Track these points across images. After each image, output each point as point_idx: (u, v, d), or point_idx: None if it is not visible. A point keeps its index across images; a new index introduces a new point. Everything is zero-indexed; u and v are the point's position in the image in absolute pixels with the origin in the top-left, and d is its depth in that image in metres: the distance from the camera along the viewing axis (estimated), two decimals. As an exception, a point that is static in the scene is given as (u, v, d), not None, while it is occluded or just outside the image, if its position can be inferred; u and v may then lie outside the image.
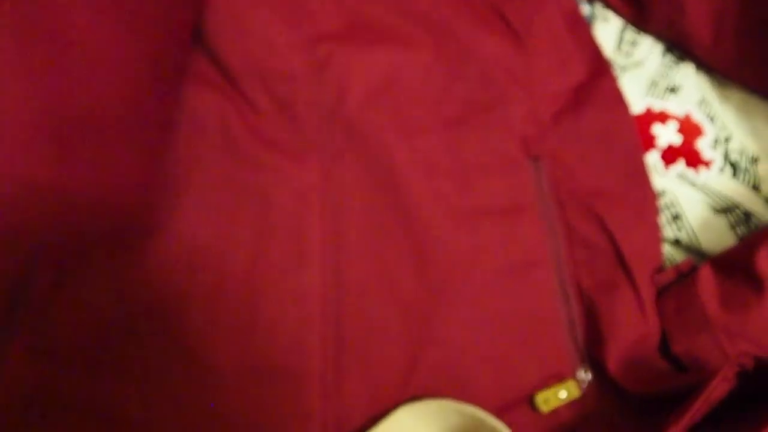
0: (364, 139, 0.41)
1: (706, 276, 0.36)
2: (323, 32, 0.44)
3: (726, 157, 0.43)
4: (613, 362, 0.36)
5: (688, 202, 0.41)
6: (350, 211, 0.40)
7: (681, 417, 0.30)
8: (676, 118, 0.44)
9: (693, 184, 0.42)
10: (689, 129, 0.43)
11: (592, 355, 0.38)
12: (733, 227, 0.41)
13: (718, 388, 0.31)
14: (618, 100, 0.43)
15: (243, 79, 0.41)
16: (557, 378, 0.37)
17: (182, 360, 0.35)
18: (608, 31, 0.47)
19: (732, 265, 0.36)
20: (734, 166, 0.42)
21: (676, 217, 0.41)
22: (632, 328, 0.37)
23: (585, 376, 0.37)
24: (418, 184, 0.40)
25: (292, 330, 0.36)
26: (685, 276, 0.38)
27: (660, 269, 0.39)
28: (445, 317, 0.37)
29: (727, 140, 0.43)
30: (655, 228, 0.40)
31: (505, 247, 0.39)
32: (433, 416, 0.33)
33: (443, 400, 0.33)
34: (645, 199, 0.40)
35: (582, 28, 0.46)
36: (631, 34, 0.47)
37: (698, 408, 0.30)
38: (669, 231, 0.41)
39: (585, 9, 0.49)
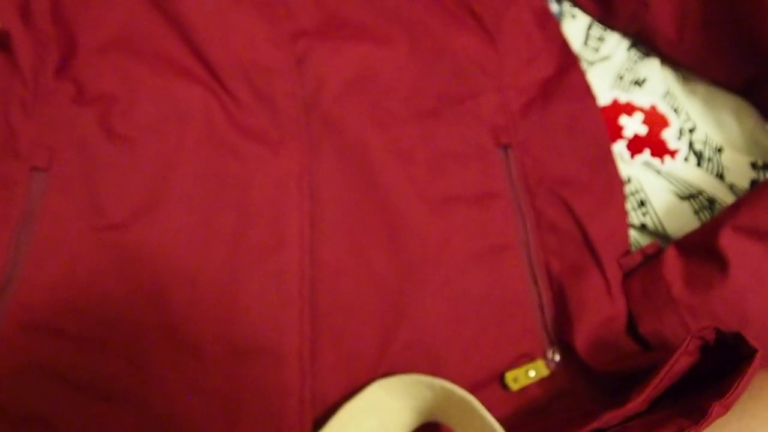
0: (340, 129, 0.42)
1: (670, 257, 0.37)
2: (302, 28, 0.46)
3: (690, 146, 0.44)
4: (581, 343, 0.37)
5: (653, 189, 0.43)
6: (327, 196, 0.40)
7: (644, 388, 0.30)
8: (642, 110, 0.45)
9: (658, 172, 0.43)
10: (655, 120, 0.45)
11: (561, 336, 0.38)
12: (696, 212, 0.42)
13: (680, 361, 0.31)
14: (585, 92, 0.44)
15: (225, 72, 0.43)
16: (527, 358, 0.38)
17: (166, 338, 0.36)
18: (576, 27, 0.49)
19: (696, 245, 0.37)
20: (699, 156, 0.43)
21: (641, 204, 0.42)
22: (600, 309, 0.38)
23: (554, 356, 0.38)
24: (393, 171, 0.41)
25: (271, 310, 0.37)
26: (651, 259, 0.39)
27: (626, 253, 0.40)
28: (417, 297, 0.38)
29: (691, 131, 0.44)
30: (622, 213, 0.41)
31: (476, 232, 0.40)
32: (405, 390, 0.33)
33: (414, 374, 0.33)
34: (611, 185, 0.41)
35: (551, 25, 0.47)
36: (597, 30, 0.49)
37: (661, 379, 0.31)
38: (635, 217, 0.42)
39: (554, 7, 0.50)
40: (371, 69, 0.45)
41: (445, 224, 0.40)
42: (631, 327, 0.38)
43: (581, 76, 0.45)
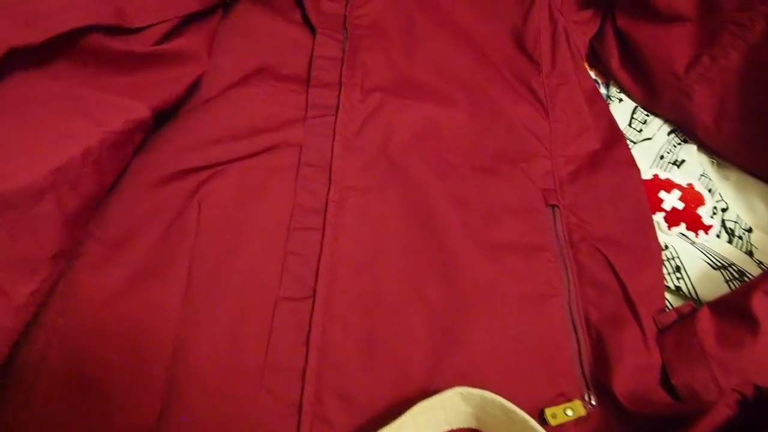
0: (405, 175, 0.47)
1: (704, 316, 0.40)
2: (376, 85, 0.52)
3: (723, 224, 0.48)
4: (619, 387, 0.39)
5: (688, 257, 0.46)
6: (389, 233, 0.45)
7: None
8: (680, 187, 0.49)
9: (692, 243, 0.47)
10: (691, 197, 0.49)
11: (599, 380, 0.41)
12: (727, 282, 0.45)
13: (720, 413, 0.34)
14: (630, 164, 0.49)
15: None
16: (565, 397, 0.40)
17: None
18: (622, 110, 0.54)
19: (729, 306, 0.40)
20: (730, 233, 0.47)
21: (677, 269, 0.46)
22: (637, 358, 0.41)
23: (590, 399, 0.40)
24: (450, 216, 0.45)
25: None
26: (686, 317, 0.42)
27: (662, 310, 0.43)
28: (467, 330, 0.41)
29: (724, 210, 0.49)
30: (659, 274, 0.44)
31: (522, 278, 0.44)
32: (478, 402, 0.36)
33: (492, 394, 0.36)
34: (650, 248, 0.45)
35: (599, 104, 0.53)
36: (641, 114, 0.54)
37: (701, 430, 0.33)
38: (670, 280, 0.46)
39: (602, 90, 0.56)
40: (435, 125, 0.51)
41: (495, 267, 0.44)
42: (665, 378, 0.41)
43: (626, 150, 0.50)
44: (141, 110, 0.43)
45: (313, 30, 0.55)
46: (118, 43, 0.42)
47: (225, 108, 0.50)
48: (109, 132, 0.39)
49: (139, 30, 0.44)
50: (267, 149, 0.48)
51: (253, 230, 0.44)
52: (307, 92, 0.51)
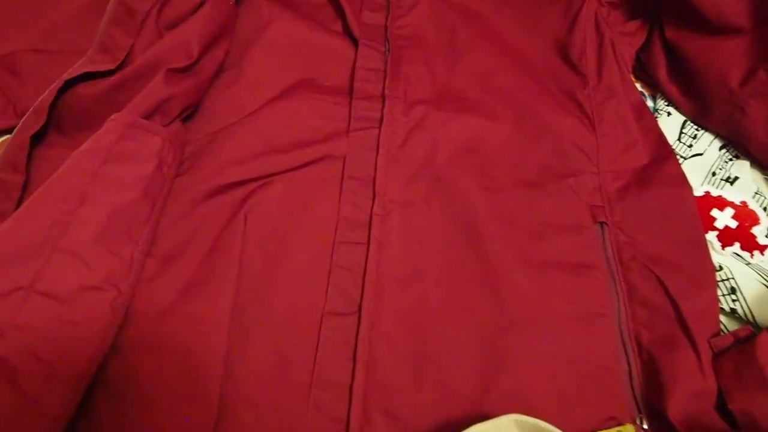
0: (450, 190, 0.47)
1: (765, 340, 0.39)
2: (419, 97, 0.51)
3: (779, 244, 0.46)
4: (673, 412, 0.38)
5: (743, 278, 0.45)
6: (433, 249, 0.44)
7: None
8: (733, 205, 0.48)
9: (748, 263, 0.45)
10: (745, 216, 0.47)
11: (651, 403, 0.40)
12: (786, 304, 0.43)
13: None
14: (681, 181, 0.47)
15: None
16: (616, 421, 0.39)
17: None
18: (671, 124, 0.53)
19: (790, 332, 0.39)
20: (787, 253, 0.46)
21: (732, 290, 0.44)
22: (691, 382, 0.39)
23: (642, 423, 0.39)
24: (496, 232, 0.45)
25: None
26: (743, 342, 0.41)
27: (717, 334, 0.42)
28: (517, 350, 0.40)
29: (780, 229, 0.47)
30: (713, 295, 0.43)
31: (571, 297, 0.43)
32: (532, 430, 0.35)
33: (547, 423, 0.35)
34: (704, 268, 0.44)
35: (647, 118, 0.52)
36: (691, 128, 0.53)
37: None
38: (725, 302, 0.44)
39: (649, 103, 0.55)
40: (479, 139, 0.50)
41: (544, 286, 0.43)
42: (721, 404, 0.39)
43: (677, 166, 0.48)
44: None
45: (354, 41, 0.55)
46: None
47: (268, 121, 0.49)
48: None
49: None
50: (311, 162, 0.48)
51: (299, 243, 0.44)
52: (350, 104, 0.51)
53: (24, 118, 0.45)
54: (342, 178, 0.47)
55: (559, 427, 0.38)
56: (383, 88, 0.51)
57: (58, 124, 0.46)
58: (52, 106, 0.44)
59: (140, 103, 0.44)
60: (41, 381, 0.33)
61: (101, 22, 0.47)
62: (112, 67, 0.45)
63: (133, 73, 0.45)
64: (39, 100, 0.45)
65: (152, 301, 0.39)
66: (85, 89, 0.44)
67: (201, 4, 0.49)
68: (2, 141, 0.52)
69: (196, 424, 0.36)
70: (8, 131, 0.50)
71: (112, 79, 0.44)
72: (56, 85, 0.44)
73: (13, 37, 0.54)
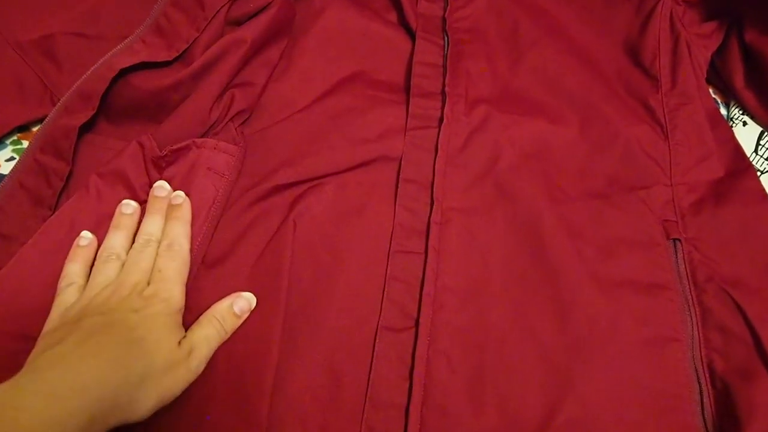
0: (513, 199, 0.44)
1: None
2: (480, 96, 0.48)
3: None
4: (750, 448, 0.36)
5: (826, 306, 0.42)
6: (495, 261, 0.42)
7: None
8: (814, 224, 0.45)
9: (831, 289, 0.42)
10: (826, 236, 0.44)
11: (726, 438, 0.37)
12: None
13: None
14: (761, 197, 0.44)
15: None
16: (687, 454, 0.37)
17: None
18: (747, 134, 0.50)
19: None
20: None
21: (815, 319, 0.41)
22: (770, 418, 0.37)
23: (715, 458, 0.37)
24: (563, 246, 0.42)
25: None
26: (828, 376, 0.38)
27: (798, 365, 0.39)
28: (585, 374, 0.38)
29: None
30: (796, 325, 0.40)
31: (643, 319, 0.40)
32: None
33: None
34: (787, 295, 0.41)
35: (722, 127, 0.48)
36: (770, 139, 0.49)
37: None
38: (807, 331, 0.41)
39: (721, 110, 0.51)
40: (545, 145, 0.47)
41: (615, 306, 0.40)
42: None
43: (756, 181, 0.45)
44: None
45: (410, 32, 0.52)
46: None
47: (319, 118, 0.47)
48: None
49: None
50: (365, 163, 0.45)
51: (352, 251, 0.42)
52: (407, 102, 0.48)
53: (64, 99, 0.43)
54: (397, 181, 0.45)
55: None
56: (443, 85, 0.48)
57: (106, 111, 0.44)
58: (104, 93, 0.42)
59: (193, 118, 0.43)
60: None
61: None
62: (169, 58, 0.43)
63: (191, 75, 0.43)
64: (81, 81, 0.43)
65: (198, 313, 0.37)
66: (139, 81, 0.42)
67: (268, 5, 0.47)
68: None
69: None
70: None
71: (169, 79, 0.42)
72: (108, 72, 0.41)
73: (50, 18, 0.51)
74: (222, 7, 0.47)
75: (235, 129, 0.44)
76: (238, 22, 0.48)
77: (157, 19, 0.45)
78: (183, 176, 0.41)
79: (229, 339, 0.37)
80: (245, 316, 0.38)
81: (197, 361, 0.34)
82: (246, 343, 0.37)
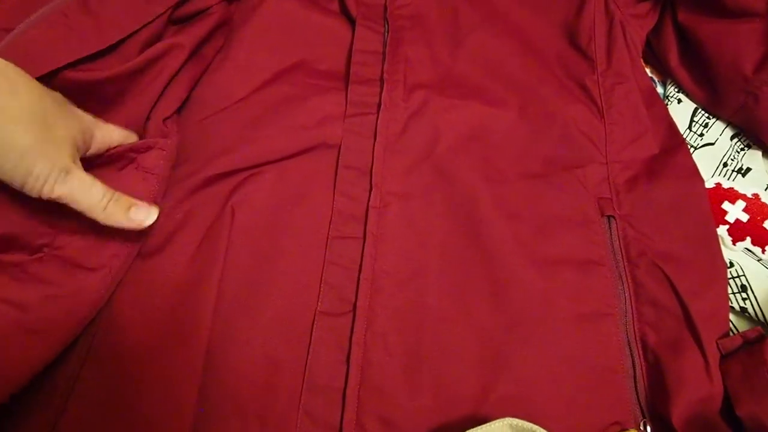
0: (452, 181, 0.44)
1: (775, 343, 0.38)
2: (419, 82, 0.49)
3: (792, 239, 0.44)
4: (677, 418, 0.37)
5: (755, 276, 0.43)
6: (434, 243, 0.42)
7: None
8: (744, 198, 0.46)
9: (759, 260, 0.44)
10: (756, 209, 0.45)
11: (656, 408, 0.38)
12: (799, 304, 0.42)
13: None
14: (692, 172, 0.45)
15: None
16: (620, 426, 0.38)
17: None
18: (681, 111, 0.51)
19: (801, 335, 0.37)
20: (800, 249, 0.44)
21: (743, 288, 0.43)
22: (698, 387, 0.38)
23: (645, 428, 0.38)
24: (499, 227, 0.43)
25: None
26: (752, 343, 0.39)
27: (726, 335, 0.40)
28: (519, 351, 0.38)
29: (792, 224, 0.45)
30: (724, 294, 0.41)
31: (577, 296, 0.41)
32: None
33: (504, 419, 0.33)
34: (715, 265, 0.42)
35: (658, 105, 0.49)
36: (702, 116, 0.50)
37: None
38: (735, 301, 0.43)
39: (658, 89, 0.52)
40: (483, 127, 0.47)
41: (549, 284, 0.41)
42: (727, 408, 0.38)
43: (688, 156, 0.46)
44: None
45: (351, 21, 0.52)
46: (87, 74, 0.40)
47: (258, 108, 0.47)
48: None
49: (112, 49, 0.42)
50: (304, 150, 0.46)
51: (290, 238, 0.42)
52: (347, 89, 0.48)
53: None
54: (336, 168, 0.45)
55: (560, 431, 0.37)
56: (382, 72, 0.48)
57: None
58: None
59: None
60: None
61: None
62: (102, 47, 0.41)
63: (128, 72, 0.42)
64: None
65: (133, 304, 0.37)
66: (71, 74, 0.40)
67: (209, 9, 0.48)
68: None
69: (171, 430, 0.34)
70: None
71: (105, 74, 0.41)
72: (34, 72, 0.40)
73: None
74: (170, 7, 0.46)
75: (163, 121, 0.44)
76: (178, 22, 0.48)
77: None
78: (108, 177, 0.40)
79: (158, 326, 0.37)
80: (133, 225, 0.37)
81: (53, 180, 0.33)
82: (175, 330, 0.37)
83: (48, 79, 0.38)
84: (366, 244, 0.41)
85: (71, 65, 0.39)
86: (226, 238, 0.41)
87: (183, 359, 0.36)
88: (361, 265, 0.41)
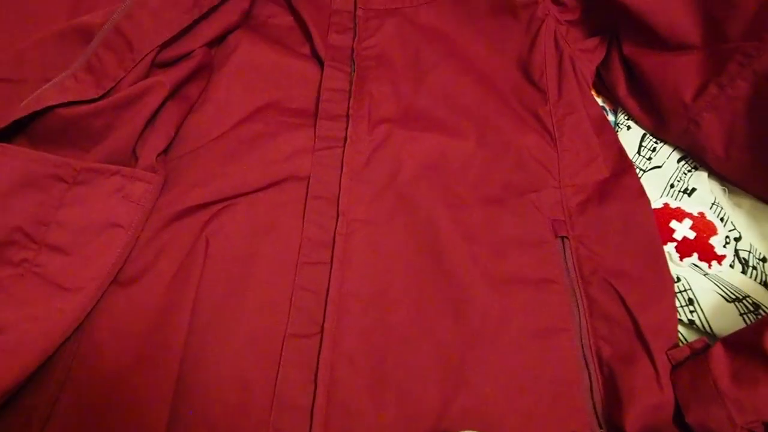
0: (413, 208, 0.47)
1: (718, 353, 0.40)
2: (383, 116, 0.52)
3: (736, 254, 0.47)
4: (630, 425, 0.39)
5: (701, 290, 0.45)
6: (397, 267, 0.45)
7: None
8: (691, 216, 0.49)
9: (705, 274, 0.46)
10: (702, 227, 0.48)
11: (611, 419, 0.40)
12: (742, 315, 0.44)
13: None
14: (639, 193, 0.48)
15: None
16: (577, 436, 0.40)
17: None
18: (630, 137, 0.54)
19: (742, 343, 0.39)
20: (744, 263, 0.47)
21: (690, 302, 0.45)
22: (649, 396, 0.40)
23: (602, 437, 0.40)
24: (459, 249, 0.45)
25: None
26: (699, 353, 0.41)
27: (675, 346, 0.42)
28: (477, 367, 0.41)
29: (737, 240, 0.48)
30: (672, 307, 0.43)
31: (533, 313, 0.43)
32: None
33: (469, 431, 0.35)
34: (662, 281, 0.44)
35: (607, 132, 0.52)
36: (650, 141, 0.54)
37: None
38: (683, 314, 0.45)
39: (610, 117, 0.56)
40: (443, 156, 0.50)
41: (506, 302, 0.43)
42: (678, 416, 0.40)
43: (636, 179, 0.49)
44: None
45: (321, 63, 0.56)
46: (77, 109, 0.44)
47: (232, 144, 0.50)
48: None
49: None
50: (275, 183, 0.48)
51: (262, 265, 0.44)
52: (315, 125, 0.51)
53: None
54: (306, 199, 0.48)
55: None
56: (348, 108, 0.51)
57: (29, 134, 0.46)
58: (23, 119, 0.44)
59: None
60: None
61: (93, 41, 0.48)
62: (96, 95, 0.45)
63: (112, 105, 0.45)
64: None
65: (111, 329, 0.39)
66: (63, 110, 0.44)
67: (192, 53, 0.51)
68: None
69: None
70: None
71: (92, 105, 0.44)
72: (36, 106, 0.43)
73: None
74: (150, 52, 0.49)
75: (155, 158, 0.47)
76: (164, 65, 0.52)
77: (89, 58, 0.47)
78: (95, 199, 0.43)
79: (129, 352, 0.39)
80: None
81: None
82: (148, 355, 0.39)
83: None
84: (333, 268, 0.44)
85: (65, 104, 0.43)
86: (200, 266, 0.43)
87: (155, 381, 0.38)
88: (328, 289, 0.43)
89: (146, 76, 0.49)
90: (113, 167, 0.45)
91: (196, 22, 0.51)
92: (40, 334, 0.36)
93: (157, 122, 0.49)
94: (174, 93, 0.51)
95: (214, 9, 0.52)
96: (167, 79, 0.49)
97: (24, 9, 0.56)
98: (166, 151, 0.50)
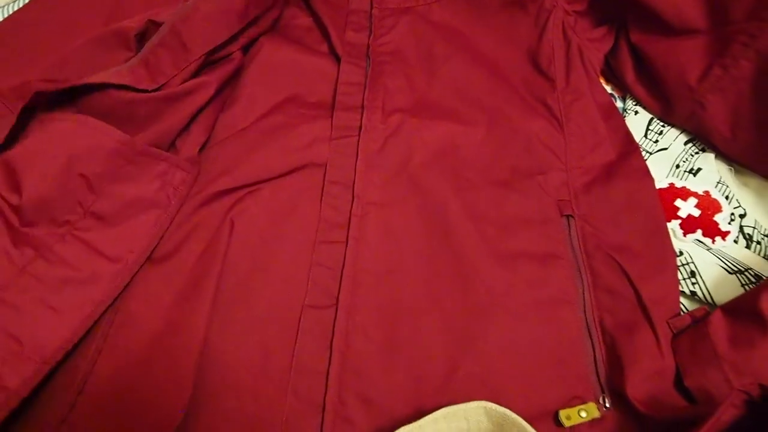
0: (425, 192, 0.50)
1: (717, 318, 0.41)
2: (397, 106, 0.55)
3: (741, 230, 0.48)
4: (632, 390, 0.40)
5: (703, 263, 0.47)
6: (408, 247, 0.48)
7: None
8: (696, 195, 0.50)
9: (708, 249, 0.48)
10: (707, 205, 0.50)
11: (613, 384, 0.42)
12: (743, 286, 0.45)
13: (726, 413, 0.35)
14: (644, 173, 0.50)
15: None
16: (579, 400, 0.41)
17: None
18: (638, 121, 0.55)
19: (740, 309, 0.41)
20: (748, 238, 0.48)
21: (692, 274, 0.46)
22: (650, 362, 0.42)
23: (604, 402, 0.41)
24: (467, 229, 0.48)
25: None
26: (700, 321, 0.43)
27: (677, 315, 0.44)
28: (481, 334, 0.43)
29: (742, 216, 0.49)
30: (673, 279, 0.45)
31: (538, 284, 0.46)
32: (502, 420, 0.37)
33: (515, 415, 0.37)
34: (664, 254, 0.46)
35: (615, 117, 0.54)
36: (657, 124, 0.55)
37: (708, 429, 0.34)
38: (685, 285, 0.46)
39: (618, 103, 0.57)
40: (453, 143, 0.53)
41: (511, 275, 0.46)
42: (679, 381, 0.41)
43: (641, 160, 0.51)
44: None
45: (338, 60, 0.59)
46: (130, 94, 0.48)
47: (257, 134, 0.54)
48: None
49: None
50: (296, 169, 0.52)
51: (283, 245, 0.48)
52: (332, 117, 0.55)
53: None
54: (324, 183, 0.51)
55: (523, 404, 0.40)
56: (363, 100, 0.55)
57: (80, 107, 0.49)
58: (75, 89, 0.47)
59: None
60: (8, 355, 0.37)
61: (151, 39, 0.52)
62: (149, 88, 0.49)
63: (162, 98, 0.49)
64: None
65: (144, 300, 0.43)
66: (116, 92, 0.48)
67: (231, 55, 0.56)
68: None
69: (170, 407, 0.40)
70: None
71: (144, 95, 0.48)
72: (92, 80, 0.47)
73: (26, 69, 0.60)
74: (202, 55, 0.54)
75: (197, 151, 0.51)
76: (205, 66, 0.56)
77: (146, 55, 0.51)
78: (142, 180, 0.47)
79: (160, 319, 0.43)
80: None
81: None
82: (177, 321, 0.43)
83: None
84: (348, 246, 0.47)
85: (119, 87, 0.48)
86: (225, 244, 0.47)
87: (183, 346, 0.42)
88: (343, 265, 0.46)
89: (193, 75, 0.54)
90: (164, 154, 0.49)
91: (242, 29, 0.55)
92: (80, 297, 0.40)
93: (200, 118, 0.54)
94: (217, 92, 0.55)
95: (257, 17, 0.57)
96: (213, 79, 0.53)
97: (67, 19, 0.62)
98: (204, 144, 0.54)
